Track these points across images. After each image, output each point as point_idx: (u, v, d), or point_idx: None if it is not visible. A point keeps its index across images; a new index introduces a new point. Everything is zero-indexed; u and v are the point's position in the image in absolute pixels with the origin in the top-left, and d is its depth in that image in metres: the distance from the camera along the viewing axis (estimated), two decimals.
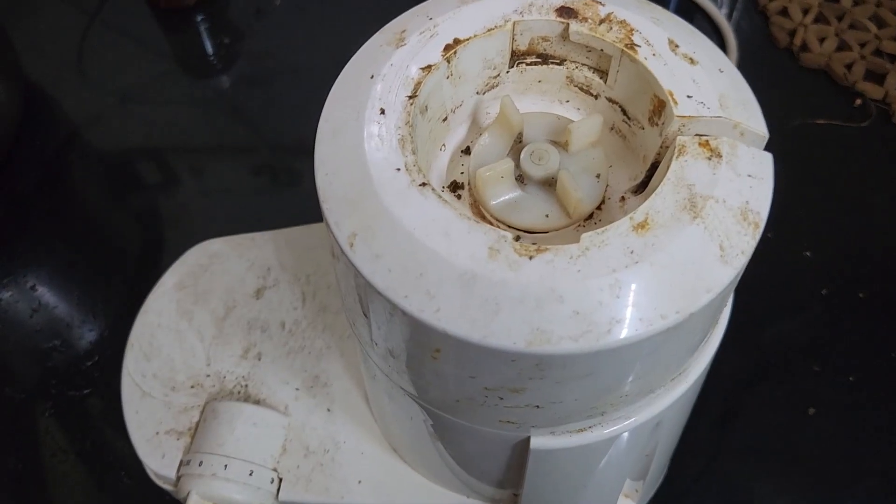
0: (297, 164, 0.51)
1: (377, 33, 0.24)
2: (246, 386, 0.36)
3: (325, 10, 0.57)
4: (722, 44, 0.52)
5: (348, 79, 0.23)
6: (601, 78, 0.24)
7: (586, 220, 0.23)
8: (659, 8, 0.24)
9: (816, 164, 0.48)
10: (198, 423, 0.35)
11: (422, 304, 0.20)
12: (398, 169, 0.21)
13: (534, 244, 0.20)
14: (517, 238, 0.20)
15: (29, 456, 0.42)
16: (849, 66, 0.49)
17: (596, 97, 0.25)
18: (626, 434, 0.25)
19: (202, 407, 0.35)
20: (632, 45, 0.23)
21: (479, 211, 0.24)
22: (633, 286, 0.19)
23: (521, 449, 0.25)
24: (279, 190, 0.49)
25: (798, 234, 0.45)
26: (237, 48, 0.56)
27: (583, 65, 0.25)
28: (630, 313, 0.19)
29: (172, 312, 0.38)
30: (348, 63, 0.24)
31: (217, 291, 0.38)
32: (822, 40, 0.50)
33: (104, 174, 0.53)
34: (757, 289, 0.44)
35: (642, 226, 0.20)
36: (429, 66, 0.23)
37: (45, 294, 0.47)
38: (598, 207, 0.24)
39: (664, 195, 0.20)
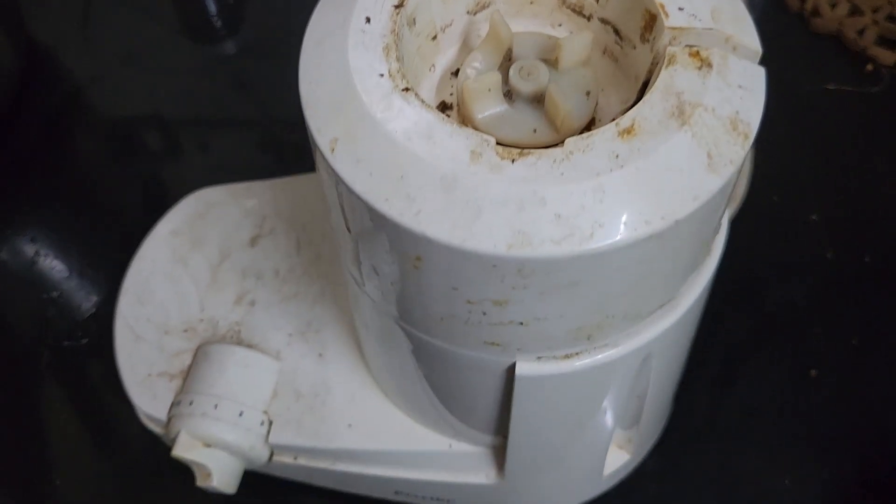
0: (304, 140, 0.49)
1: None
2: (239, 331, 0.35)
3: None
4: None
5: None
6: None
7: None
8: None
9: (826, 129, 0.47)
10: (190, 367, 0.35)
11: (402, 207, 0.19)
12: (381, 75, 0.21)
13: (517, 149, 0.19)
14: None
15: (26, 409, 0.42)
16: (860, 32, 0.49)
17: (588, 18, 0.24)
18: (613, 364, 0.24)
19: (194, 351, 0.35)
20: None
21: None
22: (618, 190, 0.19)
23: (507, 379, 0.25)
24: (285, 167, 0.48)
25: (805, 198, 0.45)
26: (242, 13, 0.56)
27: None
28: (614, 218, 0.19)
29: (167, 259, 0.37)
30: None
31: (212, 239, 0.38)
32: (833, 5, 0.50)
33: (105, 135, 0.52)
34: (761, 252, 0.43)
35: (628, 131, 0.20)
36: None
37: (45, 248, 0.47)
38: (588, 129, 0.23)
39: (652, 102, 0.20)
